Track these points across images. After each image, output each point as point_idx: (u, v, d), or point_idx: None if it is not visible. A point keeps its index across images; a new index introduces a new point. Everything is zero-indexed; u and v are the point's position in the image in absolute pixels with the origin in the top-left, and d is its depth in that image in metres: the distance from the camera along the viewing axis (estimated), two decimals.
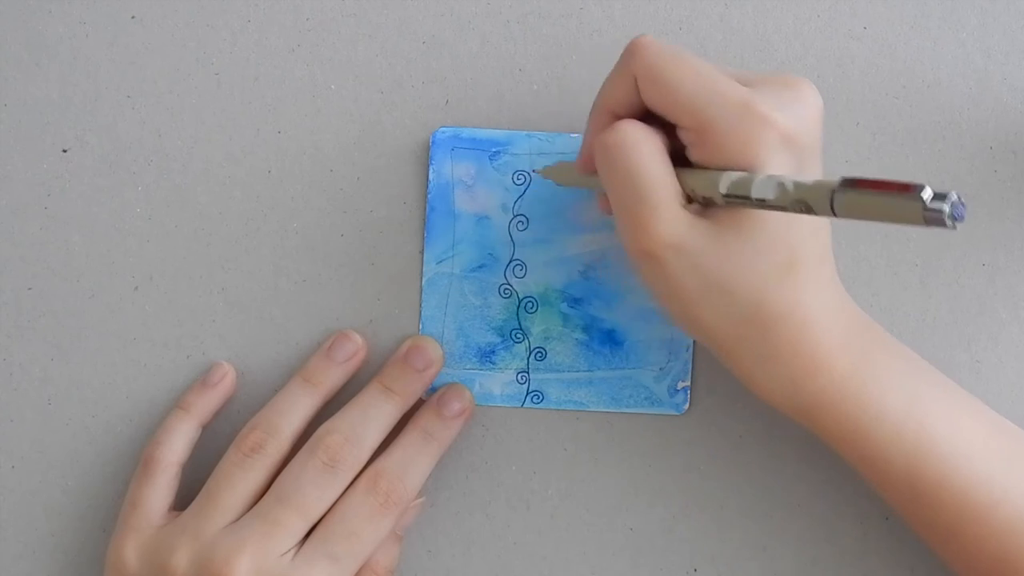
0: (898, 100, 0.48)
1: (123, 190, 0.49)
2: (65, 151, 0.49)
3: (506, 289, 0.48)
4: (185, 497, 0.46)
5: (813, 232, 0.40)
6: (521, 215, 0.48)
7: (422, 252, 0.48)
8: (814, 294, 0.40)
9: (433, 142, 0.48)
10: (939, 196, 0.31)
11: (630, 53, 0.41)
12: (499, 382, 0.48)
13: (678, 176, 0.40)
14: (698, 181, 0.39)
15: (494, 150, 0.48)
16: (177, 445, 0.46)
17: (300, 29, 0.49)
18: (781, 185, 0.36)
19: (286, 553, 0.43)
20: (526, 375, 0.48)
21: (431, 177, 0.48)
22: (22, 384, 0.49)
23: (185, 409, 0.47)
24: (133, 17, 0.49)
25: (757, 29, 0.48)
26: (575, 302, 0.48)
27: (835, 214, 0.34)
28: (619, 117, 0.41)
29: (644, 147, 0.39)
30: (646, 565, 0.48)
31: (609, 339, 0.48)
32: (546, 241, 0.48)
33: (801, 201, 0.35)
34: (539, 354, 0.48)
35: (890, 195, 0.32)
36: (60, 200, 0.49)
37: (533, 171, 0.48)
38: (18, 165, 0.49)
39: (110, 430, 0.49)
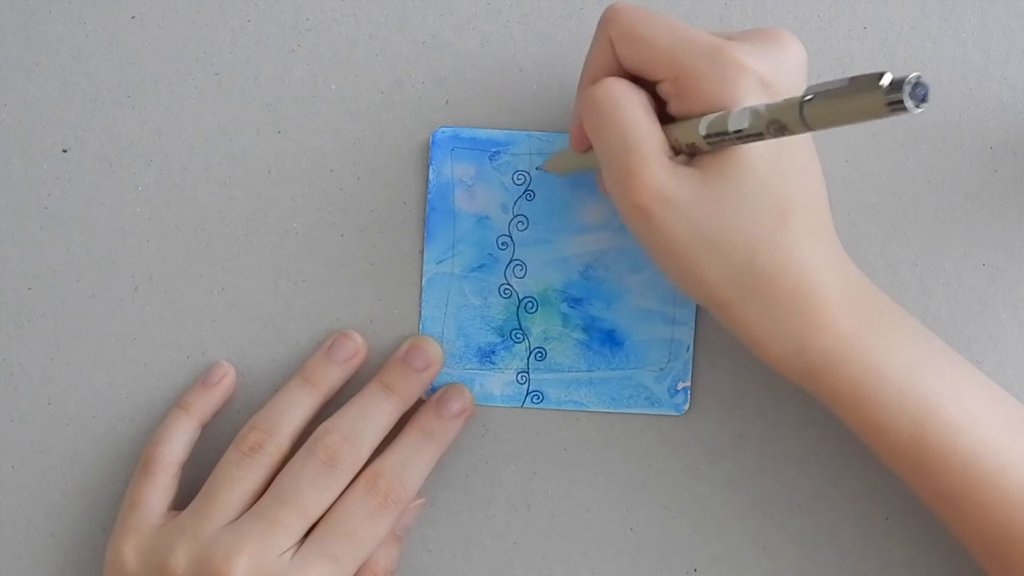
0: None
1: (123, 190, 0.49)
2: (65, 151, 0.49)
3: (506, 289, 0.48)
4: (185, 497, 0.46)
5: (805, 183, 0.40)
6: (521, 215, 0.48)
7: (422, 252, 0.48)
8: (810, 249, 0.40)
9: (433, 142, 0.48)
10: (897, 82, 0.31)
11: (605, 19, 0.42)
12: (499, 382, 0.48)
13: (663, 130, 0.40)
14: (681, 131, 0.40)
15: (494, 150, 0.48)
16: (177, 445, 0.46)
17: (300, 29, 0.49)
18: (755, 111, 0.37)
19: (285, 552, 0.43)
20: (526, 375, 0.48)
21: (431, 177, 0.48)
22: (22, 384, 0.49)
23: (185, 409, 0.47)
24: (133, 17, 0.49)
25: None
26: (575, 302, 0.48)
27: (809, 127, 0.34)
28: None
29: (630, 99, 0.40)
30: (646, 565, 0.48)
31: (609, 339, 0.48)
32: (546, 241, 0.48)
33: (775, 121, 0.36)
34: (539, 354, 0.48)
35: (853, 93, 0.32)
36: (60, 200, 0.49)
37: (536, 168, 0.48)
38: (18, 165, 0.49)
39: (110, 430, 0.49)
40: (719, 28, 0.48)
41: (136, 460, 0.47)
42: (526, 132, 0.48)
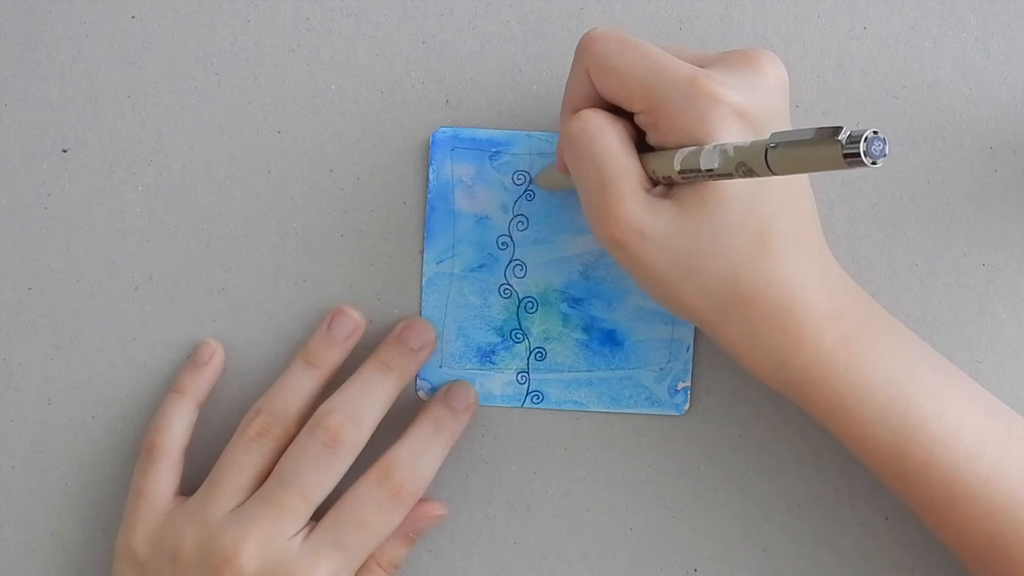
0: (898, 100, 0.48)
1: (123, 190, 0.49)
2: (65, 151, 0.49)
3: (506, 289, 0.48)
4: (190, 481, 0.46)
5: (787, 204, 0.40)
6: (521, 215, 0.48)
7: (422, 252, 0.48)
8: (795, 267, 0.40)
9: (433, 142, 0.48)
10: (855, 136, 0.31)
11: (581, 48, 0.42)
12: (499, 382, 0.48)
13: (641, 160, 0.40)
14: (658, 163, 0.40)
15: (494, 150, 0.48)
16: (177, 430, 0.46)
17: (300, 29, 0.49)
18: (724, 152, 0.37)
19: (294, 537, 0.43)
20: (526, 375, 0.48)
21: (431, 177, 0.48)
22: (22, 384, 0.49)
23: (180, 392, 0.47)
24: (133, 17, 0.49)
25: (757, 29, 0.48)
26: (575, 302, 0.48)
27: (773, 172, 0.34)
28: None
29: (606, 133, 0.40)
30: (646, 565, 0.48)
31: (609, 339, 0.48)
32: (546, 241, 0.48)
33: (743, 164, 0.36)
34: (539, 354, 0.48)
35: (814, 144, 0.32)
36: (60, 200, 0.49)
37: (530, 183, 0.48)
38: (18, 165, 0.49)
39: (110, 430, 0.49)
40: (719, 28, 0.48)
41: (136, 459, 0.47)
42: (526, 132, 0.48)
